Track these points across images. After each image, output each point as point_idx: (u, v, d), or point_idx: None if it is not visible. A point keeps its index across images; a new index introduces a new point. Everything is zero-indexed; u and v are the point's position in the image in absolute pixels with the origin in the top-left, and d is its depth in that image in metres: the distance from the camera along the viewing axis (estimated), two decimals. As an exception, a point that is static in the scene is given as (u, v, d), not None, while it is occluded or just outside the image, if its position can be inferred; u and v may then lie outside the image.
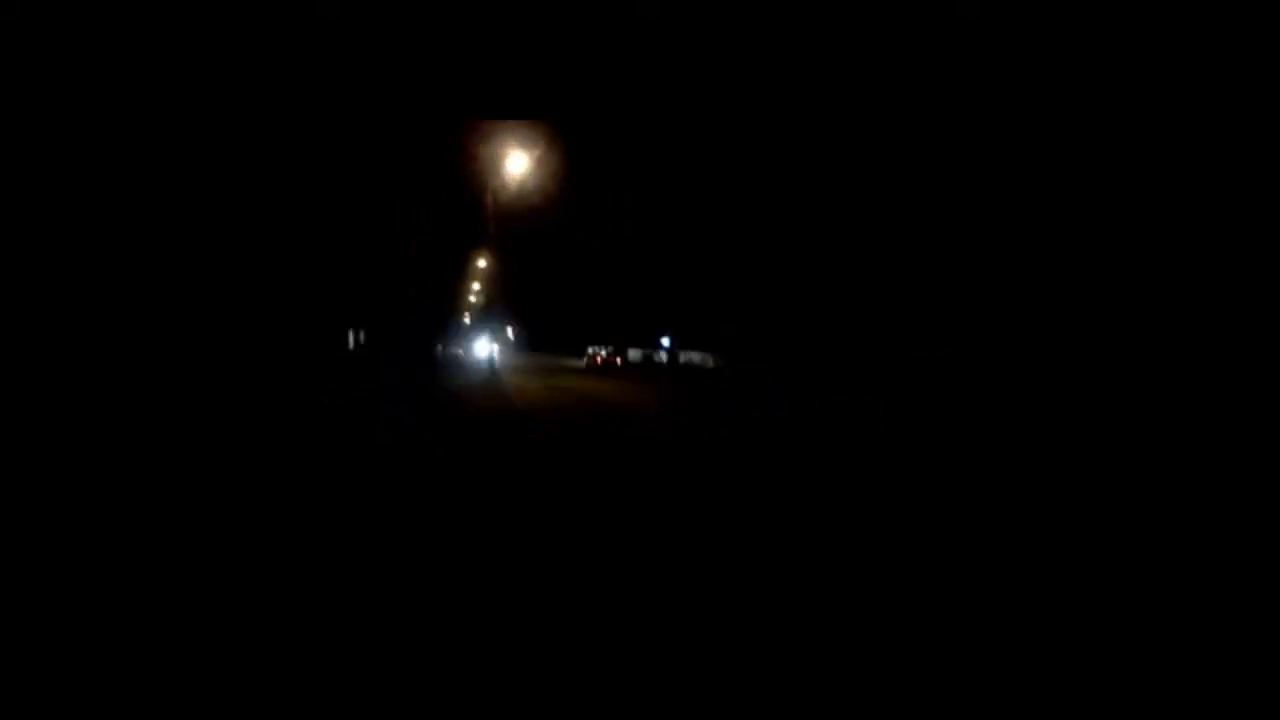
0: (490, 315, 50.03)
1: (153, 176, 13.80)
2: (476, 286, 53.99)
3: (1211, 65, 13.32)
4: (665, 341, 51.12)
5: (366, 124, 18.56)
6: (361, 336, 30.50)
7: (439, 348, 41.24)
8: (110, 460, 7.65)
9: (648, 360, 52.56)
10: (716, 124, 26.51)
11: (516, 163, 25.61)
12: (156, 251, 13.89)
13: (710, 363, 43.38)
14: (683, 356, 47.61)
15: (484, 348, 36.60)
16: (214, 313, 14.83)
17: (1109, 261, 16.03)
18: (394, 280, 27.67)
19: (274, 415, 12.01)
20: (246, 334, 15.60)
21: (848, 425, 12.67)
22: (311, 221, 17.42)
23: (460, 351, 44.67)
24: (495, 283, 50.01)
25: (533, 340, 57.82)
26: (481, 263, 45.73)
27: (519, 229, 35.56)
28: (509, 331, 40.91)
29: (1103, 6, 14.67)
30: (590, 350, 43.55)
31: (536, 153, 26.71)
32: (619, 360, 43.19)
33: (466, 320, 60.11)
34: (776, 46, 21.02)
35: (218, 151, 14.76)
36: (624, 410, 14.74)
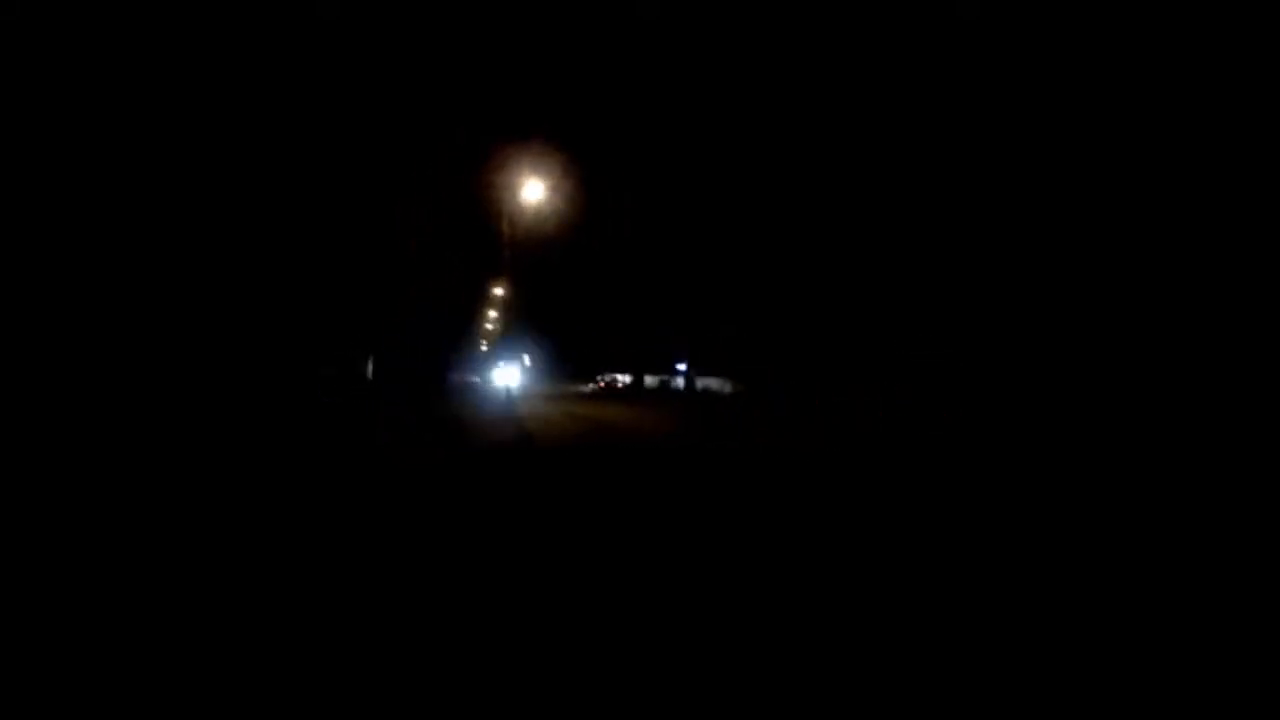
0: (507, 343, 50.23)
1: (178, 192, 14.00)
2: (494, 314, 54.33)
3: (1211, 65, 13.15)
4: (681, 367, 50.97)
5: (383, 146, 18.76)
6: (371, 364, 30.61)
7: (457, 375, 41.36)
8: (109, 456, 7.82)
9: (664, 386, 52.40)
10: (729, 143, 26.60)
11: (532, 190, 25.82)
12: (167, 263, 14.01)
13: (728, 388, 43.13)
14: (700, 382, 47.40)
15: (502, 375, 36.59)
16: (219, 330, 14.91)
17: (1108, 262, 15.69)
18: (406, 304, 27.83)
19: (263, 428, 11.88)
20: (247, 347, 15.67)
21: (865, 435, 12.39)
22: (324, 243, 17.54)
23: (478, 379, 44.77)
24: (512, 311, 50.32)
25: (550, 367, 58.12)
26: (499, 290, 46.03)
27: (535, 256, 35.78)
28: (526, 359, 41.04)
29: (1102, 6, 14.59)
30: (597, 378, 49.79)
31: (552, 180, 26.93)
32: (620, 384, 49.46)
33: (484, 348, 60.41)
34: (788, 61, 21.06)
35: (239, 172, 14.98)
36: (640, 430, 14.53)
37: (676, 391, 48.91)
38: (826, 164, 24.23)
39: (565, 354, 51.61)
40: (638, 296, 43.84)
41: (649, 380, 53.65)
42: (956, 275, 20.76)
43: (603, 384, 48.97)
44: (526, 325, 48.42)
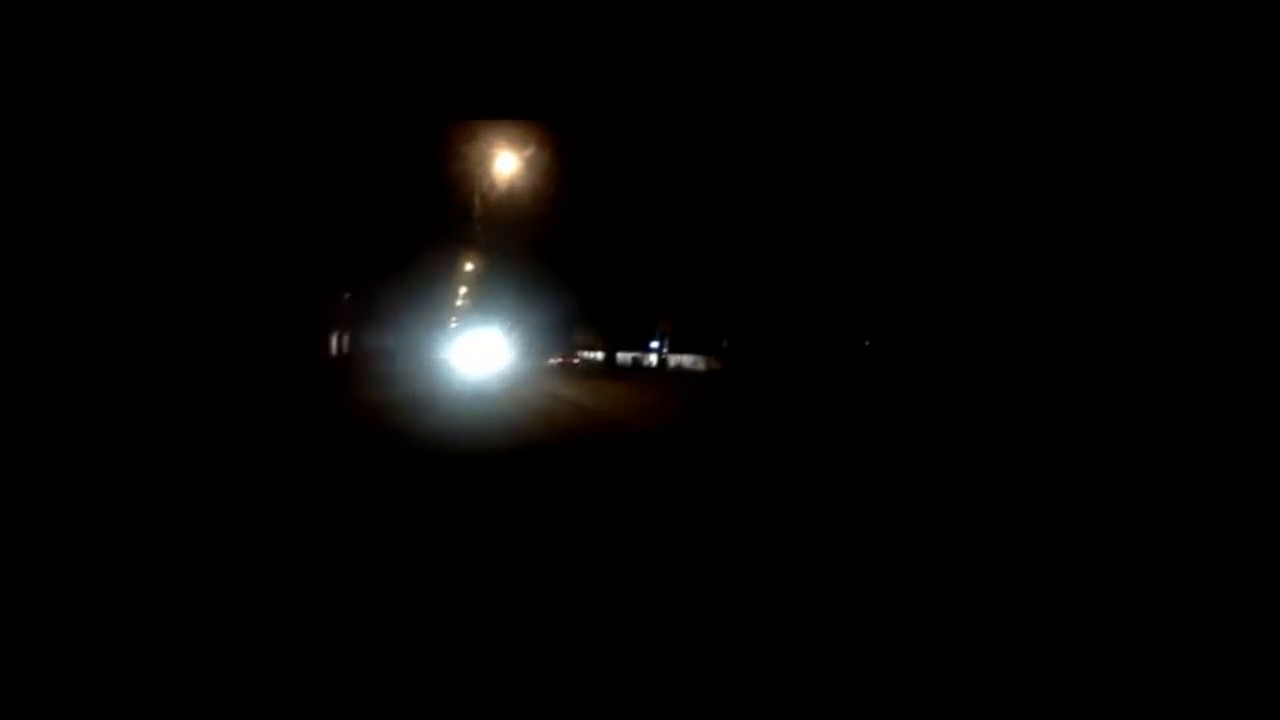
0: (479, 318, 49.28)
1: (143, 174, 13.13)
2: (464, 290, 53.16)
3: (1211, 66, 13.01)
4: (654, 345, 50.59)
5: (350, 116, 17.83)
6: (344, 340, 29.57)
7: (432, 352, 40.37)
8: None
9: (636, 364, 52.02)
10: (710, 117, 26.00)
11: (506, 163, 24.92)
12: (131, 248, 13.20)
13: (702, 365, 42.86)
14: (674, 359, 47.10)
15: (474, 350, 35.55)
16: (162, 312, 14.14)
17: (1107, 263, 15.68)
18: (372, 274, 26.88)
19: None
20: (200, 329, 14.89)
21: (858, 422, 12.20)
22: (282, 212, 16.61)
23: (447, 356, 43.72)
24: (483, 286, 49.30)
25: (523, 345, 57.66)
26: (469, 266, 44.95)
27: (508, 230, 34.82)
28: (502, 335, 40.22)
29: (1099, 6, 14.35)
30: (555, 356, 53.42)
31: (526, 153, 26.02)
32: (575, 361, 53.75)
33: (453, 324, 59.23)
34: (769, 45, 20.57)
35: (198, 148, 14.08)
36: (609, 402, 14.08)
37: (649, 369, 48.59)
38: (807, 139, 23.78)
39: (538, 331, 50.83)
40: (611, 271, 43.13)
41: (622, 357, 53.22)
42: (942, 257, 20.62)
43: (559, 361, 52.08)
44: (497, 301, 47.46)
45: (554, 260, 41.09)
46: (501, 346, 38.58)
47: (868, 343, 29.01)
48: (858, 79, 19.54)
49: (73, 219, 11.97)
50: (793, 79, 20.94)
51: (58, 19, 10.97)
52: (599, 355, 56.33)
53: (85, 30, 11.36)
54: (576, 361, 53.99)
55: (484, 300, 51.07)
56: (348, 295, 31.03)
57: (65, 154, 11.61)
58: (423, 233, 29.29)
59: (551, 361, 51.89)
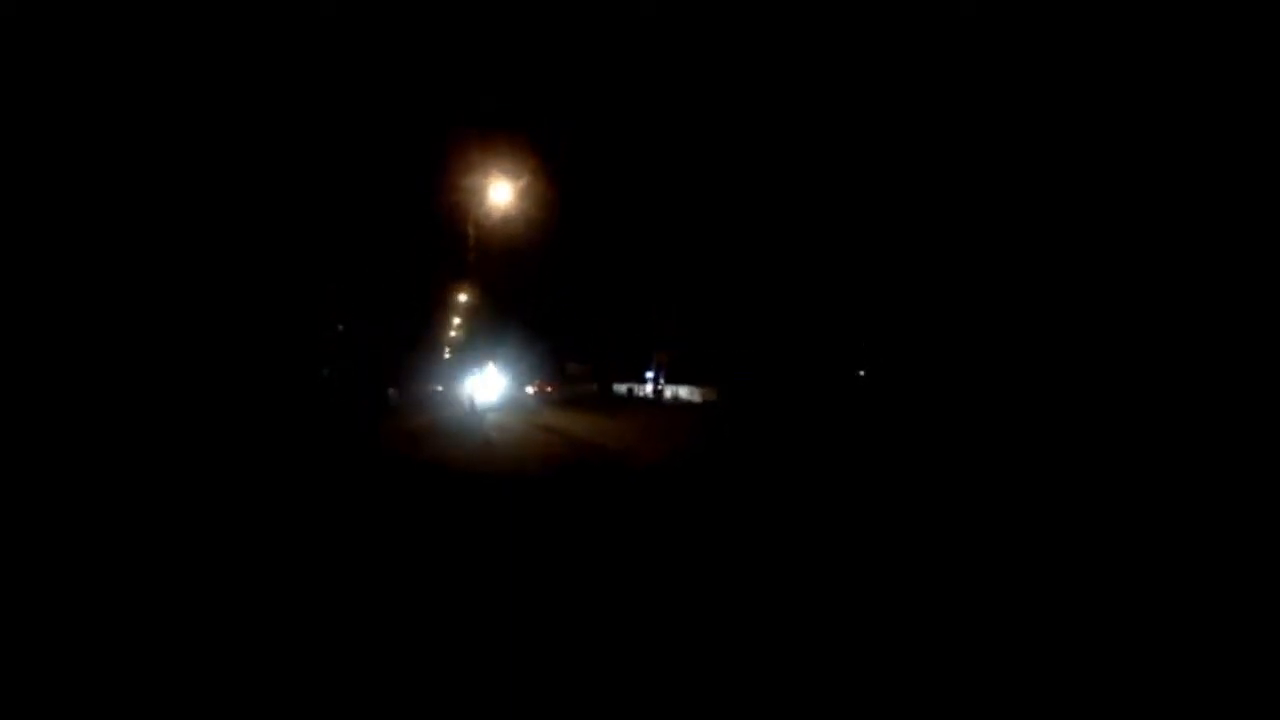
0: (472, 350, 49.16)
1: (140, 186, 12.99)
2: (457, 321, 53.07)
3: (1211, 65, 13.04)
4: (650, 374, 50.38)
5: (344, 137, 17.76)
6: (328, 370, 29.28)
7: (412, 384, 40.03)
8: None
9: (630, 394, 51.71)
10: (706, 143, 26.08)
11: (500, 192, 24.93)
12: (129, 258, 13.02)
13: (698, 396, 42.52)
14: (670, 390, 46.79)
15: (471, 383, 35.36)
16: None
17: (1106, 266, 15.51)
18: (367, 306, 26.71)
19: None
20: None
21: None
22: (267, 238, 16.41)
23: (440, 388, 43.43)
24: (477, 317, 49.20)
25: (517, 375, 57.65)
26: (463, 297, 44.93)
27: (503, 259, 34.81)
28: (495, 367, 40.00)
29: (1099, 6, 14.43)
30: (531, 385, 53.69)
31: (521, 183, 26.09)
32: (549, 389, 54.34)
33: (447, 356, 58.98)
34: (769, 46, 20.62)
35: (193, 172, 13.97)
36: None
37: (644, 400, 48.26)
38: (803, 169, 23.86)
39: (530, 361, 50.61)
40: (606, 301, 43.13)
41: (618, 388, 52.89)
42: (942, 282, 20.51)
43: (535, 389, 52.84)
44: (492, 331, 47.32)
45: (548, 292, 41.10)
46: (498, 379, 38.47)
47: (861, 373, 28.88)
48: (858, 79, 19.57)
49: (72, 224, 11.80)
50: (791, 87, 21.01)
51: (57, 19, 10.92)
52: (594, 386, 55.96)
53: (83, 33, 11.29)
54: (550, 389, 54.40)
55: (478, 332, 50.98)
56: (341, 327, 30.86)
57: (62, 162, 11.45)
58: (417, 263, 29.24)
59: (529, 389, 51.79)
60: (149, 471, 8.54)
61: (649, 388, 49.67)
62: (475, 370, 39.80)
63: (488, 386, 36.24)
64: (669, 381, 47.14)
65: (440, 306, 44.63)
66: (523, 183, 25.69)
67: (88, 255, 12.16)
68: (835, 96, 20.74)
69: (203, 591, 4.10)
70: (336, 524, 6.11)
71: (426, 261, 30.73)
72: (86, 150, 11.96)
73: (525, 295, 42.62)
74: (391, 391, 34.87)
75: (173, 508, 6.56)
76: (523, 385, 50.77)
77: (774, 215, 26.65)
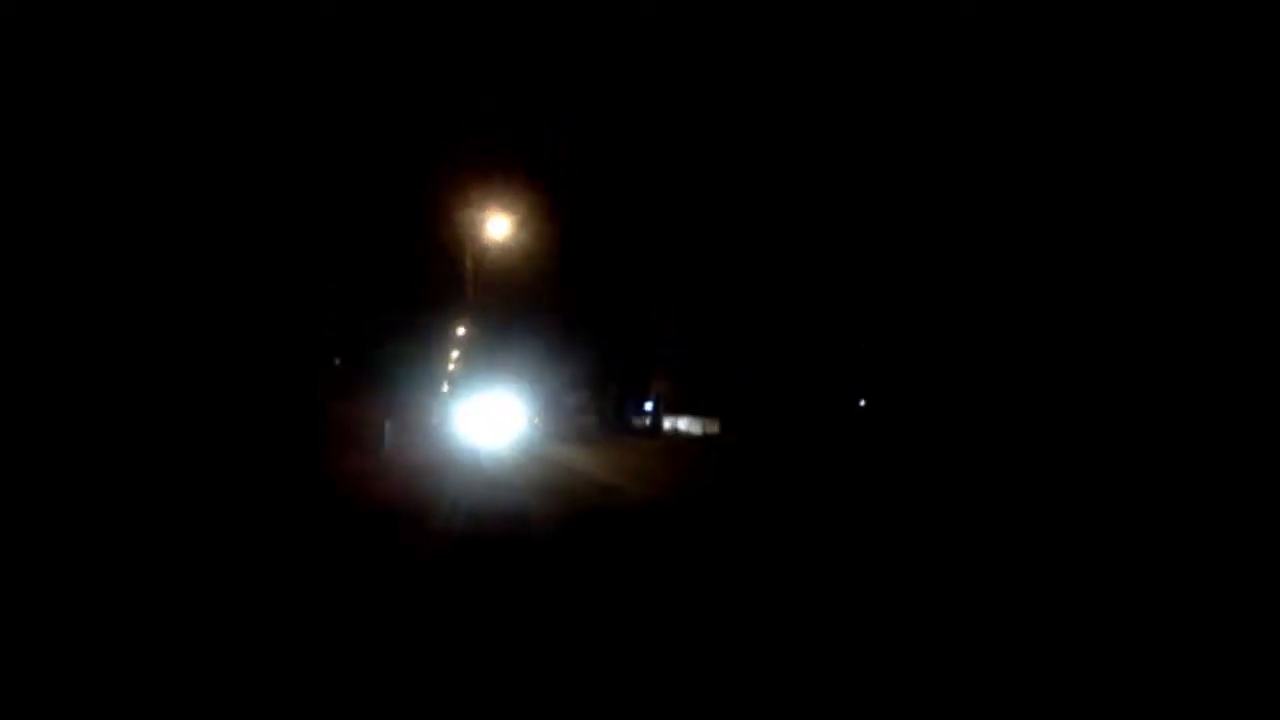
0: (471, 383, 48.78)
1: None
2: (455, 354, 52.74)
3: (1211, 65, 12.99)
4: (648, 406, 49.99)
5: (338, 161, 17.56)
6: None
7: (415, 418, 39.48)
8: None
9: (626, 426, 51.24)
10: (705, 170, 26.05)
11: (498, 226, 24.85)
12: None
13: (701, 429, 42.08)
14: (669, 422, 46.35)
15: (472, 417, 34.86)
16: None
17: (1105, 269, 15.30)
18: (364, 338, 26.39)
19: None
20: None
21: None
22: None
23: (437, 422, 42.88)
24: (474, 350, 48.90)
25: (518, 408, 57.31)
26: (460, 330, 44.69)
27: (501, 292, 34.65)
28: (497, 399, 39.52)
29: (1099, 6, 14.43)
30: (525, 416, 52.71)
31: (518, 215, 26.05)
32: (537, 421, 54.65)
33: (445, 389, 58.56)
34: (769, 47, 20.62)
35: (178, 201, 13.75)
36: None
37: (641, 430, 47.82)
38: (803, 194, 23.79)
39: (529, 392, 50.13)
40: (605, 332, 42.90)
41: (617, 418, 52.49)
42: (945, 293, 20.27)
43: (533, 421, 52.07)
44: (490, 365, 46.99)
45: (546, 323, 40.92)
46: (499, 411, 38.01)
47: (863, 403, 28.60)
48: (857, 81, 19.51)
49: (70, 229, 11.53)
50: (791, 93, 20.95)
51: (56, 20, 10.76)
52: (592, 417, 55.26)
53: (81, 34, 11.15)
54: (537, 422, 54.13)
55: (475, 365, 50.64)
56: (338, 360, 30.51)
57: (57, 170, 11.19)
58: (414, 295, 29.04)
59: (532, 422, 50.75)
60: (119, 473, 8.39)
61: (647, 420, 49.21)
62: (473, 402, 39.02)
63: (492, 422, 35.44)
64: (668, 412, 46.72)
65: (438, 338, 44.35)
66: (521, 215, 25.66)
67: (69, 253, 11.79)
68: (835, 97, 20.68)
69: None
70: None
71: (423, 291, 30.48)
72: (76, 150, 11.70)
73: (523, 327, 42.38)
74: (387, 425, 34.41)
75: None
76: (527, 419, 49.95)
77: (774, 234, 26.54)
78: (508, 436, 34.57)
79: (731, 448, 27.47)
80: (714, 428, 38.82)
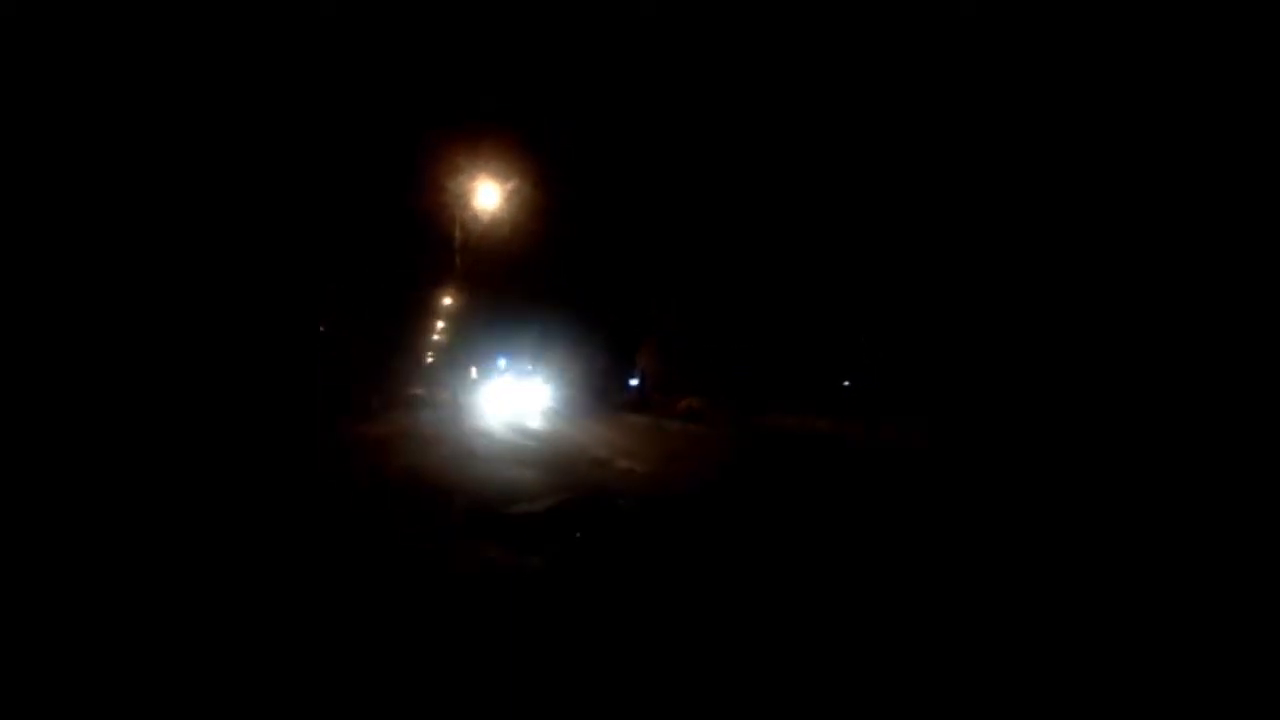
0: (457, 354, 48.52)
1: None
2: (440, 325, 52.37)
3: (1211, 65, 12.94)
4: (634, 382, 49.89)
5: (325, 134, 17.32)
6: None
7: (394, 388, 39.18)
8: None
9: (619, 402, 51.14)
10: (704, 141, 25.74)
11: (488, 194, 24.53)
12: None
13: (695, 405, 41.90)
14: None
15: (463, 387, 34.55)
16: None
17: (1104, 271, 15.31)
18: (350, 306, 26.11)
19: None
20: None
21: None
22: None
23: (420, 392, 42.45)
24: (463, 321, 48.53)
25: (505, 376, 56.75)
26: (447, 300, 44.31)
27: (491, 262, 34.32)
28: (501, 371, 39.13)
29: (1099, 6, 14.31)
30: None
31: (509, 185, 25.71)
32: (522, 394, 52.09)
33: (429, 360, 58.24)
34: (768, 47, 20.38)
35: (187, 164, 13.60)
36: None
37: (630, 407, 47.70)
38: (806, 170, 23.51)
39: (518, 367, 49.75)
40: (591, 306, 42.57)
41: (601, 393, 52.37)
42: (939, 289, 20.23)
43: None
44: (477, 336, 46.67)
45: (534, 295, 40.60)
46: (487, 383, 37.63)
47: (846, 383, 28.49)
48: (857, 82, 19.34)
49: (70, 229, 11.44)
50: (790, 88, 20.73)
51: (55, 20, 10.65)
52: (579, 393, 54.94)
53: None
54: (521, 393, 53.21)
55: (462, 335, 50.29)
56: (322, 328, 30.18)
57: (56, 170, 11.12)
58: (401, 263, 28.70)
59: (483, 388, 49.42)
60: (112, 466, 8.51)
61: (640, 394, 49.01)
62: (462, 373, 38.61)
63: (492, 392, 34.98)
64: (654, 390, 46.57)
65: (423, 309, 43.88)
66: (512, 184, 25.33)
67: (66, 251, 11.81)
68: (835, 97, 20.50)
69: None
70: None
71: (408, 262, 30.06)
72: (74, 149, 11.68)
73: (513, 301, 42.00)
74: (374, 396, 34.23)
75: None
76: (512, 391, 48.85)
77: (764, 222, 26.36)
78: (493, 407, 34.44)
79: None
80: (698, 405, 38.81)
